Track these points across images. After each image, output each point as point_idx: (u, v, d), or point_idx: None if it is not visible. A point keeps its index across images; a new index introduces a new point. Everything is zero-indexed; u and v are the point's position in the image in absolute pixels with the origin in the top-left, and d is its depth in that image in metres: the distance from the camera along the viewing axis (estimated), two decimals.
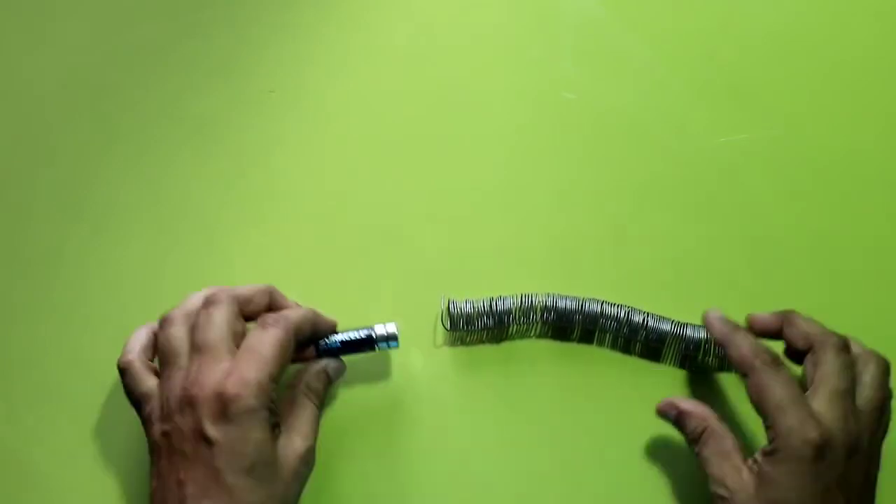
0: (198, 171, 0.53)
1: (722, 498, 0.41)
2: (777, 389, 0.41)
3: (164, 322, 0.43)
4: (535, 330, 0.48)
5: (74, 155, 0.54)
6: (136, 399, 0.43)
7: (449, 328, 0.47)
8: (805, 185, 0.52)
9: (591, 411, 0.47)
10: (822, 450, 0.39)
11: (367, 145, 0.54)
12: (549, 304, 0.47)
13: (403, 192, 0.53)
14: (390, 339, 0.45)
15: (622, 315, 0.47)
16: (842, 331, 0.48)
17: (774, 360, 0.42)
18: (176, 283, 0.50)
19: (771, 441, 0.40)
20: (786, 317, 0.45)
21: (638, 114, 0.54)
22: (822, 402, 0.41)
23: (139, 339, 0.45)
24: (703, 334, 0.47)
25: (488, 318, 0.47)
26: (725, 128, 0.54)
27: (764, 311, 0.47)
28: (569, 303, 0.47)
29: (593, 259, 0.51)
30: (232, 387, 0.39)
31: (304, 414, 0.43)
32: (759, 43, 0.56)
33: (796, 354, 0.44)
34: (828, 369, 0.42)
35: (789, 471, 0.39)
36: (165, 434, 0.40)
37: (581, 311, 0.47)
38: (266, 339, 0.41)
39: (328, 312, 0.48)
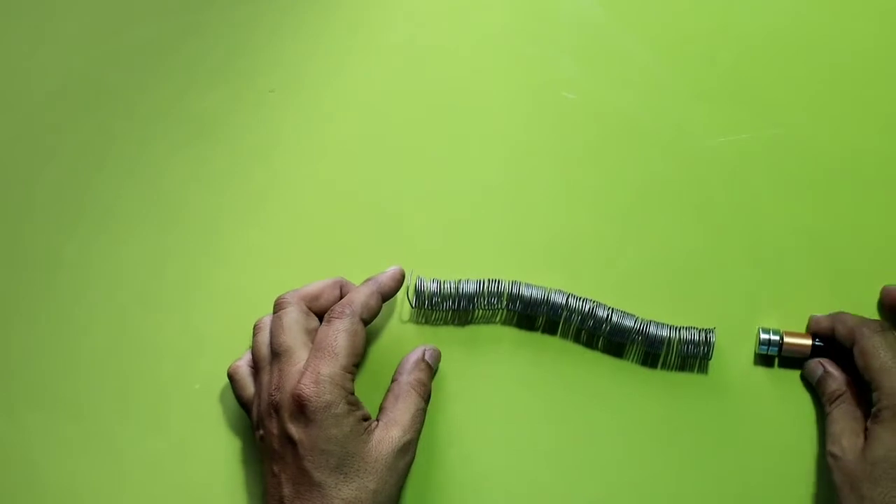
0: (198, 171, 0.53)
1: (834, 456, 0.42)
2: (881, 352, 0.42)
3: (254, 329, 0.46)
4: (500, 316, 0.49)
5: (74, 155, 0.54)
6: (242, 405, 0.45)
7: (414, 305, 0.48)
8: (805, 185, 0.52)
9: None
10: None
11: (367, 145, 0.54)
12: (514, 291, 0.47)
13: (404, 192, 0.53)
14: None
15: (587, 308, 0.47)
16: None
17: (881, 325, 0.44)
18: (176, 283, 0.51)
19: (875, 403, 0.41)
20: (836, 318, 0.46)
21: (638, 114, 0.54)
22: None
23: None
24: (666, 333, 0.47)
25: (454, 299, 0.48)
26: (725, 128, 0.54)
27: (762, 310, 0.48)
28: (534, 292, 0.47)
29: (593, 259, 0.51)
30: (306, 386, 0.40)
31: (405, 406, 0.43)
32: (759, 43, 0.56)
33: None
34: None
35: (893, 429, 0.40)
36: (261, 438, 0.42)
37: (546, 302, 0.47)
38: (332, 332, 0.42)
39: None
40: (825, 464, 0.43)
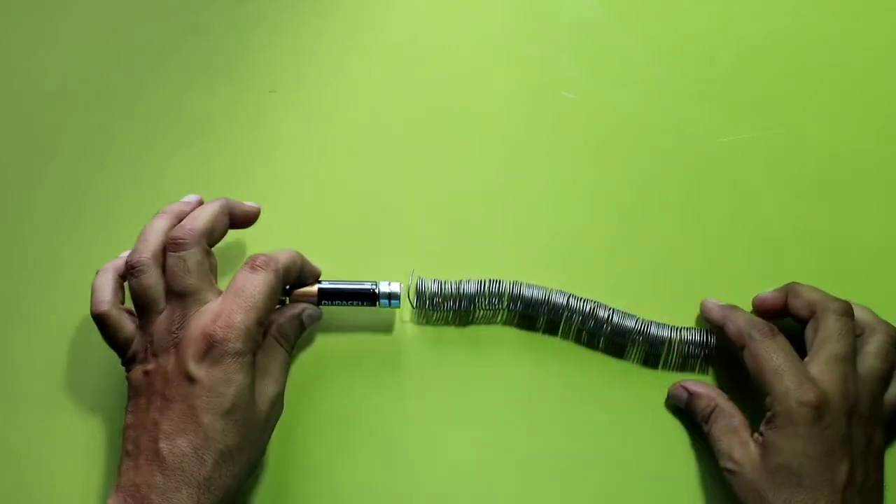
0: (198, 171, 0.53)
1: (730, 471, 0.41)
2: (773, 356, 0.42)
3: (133, 269, 0.43)
4: (502, 317, 0.49)
5: (74, 155, 0.54)
6: (118, 345, 0.43)
7: (415, 305, 0.48)
8: (806, 185, 0.52)
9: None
10: (819, 410, 0.39)
11: (367, 145, 0.54)
12: (515, 292, 0.47)
13: (404, 192, 0.53)
14: (392, 297, 0.46)
15: (587, 308, 0.47)
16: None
17: (771, 329, 0.43)
18: None
19: (770, 408, 0.41)
20: (789, 288, 0.46)
21: (638, 114, 0.54)
22: (820, 365, 0.41)
23: (106, 284, 0.45)
24: (667, 333, 0.47)
25: (455, 299, 0.47)
26: (725, 128, 0.54)
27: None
28: (535, 292, 0.47)
29: (593, 259, 0.51)
30: (220, 330, 0.40)
31: (275, 358, 0.43)
32: (759, 43, 0.56)
33: (804, 325, 0.44)
34: (826, 334, 0.42)
35: (790, 434, 0.40)
36: (147, 373, 0.41)
37: (547, 302, 0.47)
38: (255, 283, 0.41)
39: (329, 312, 0.48)
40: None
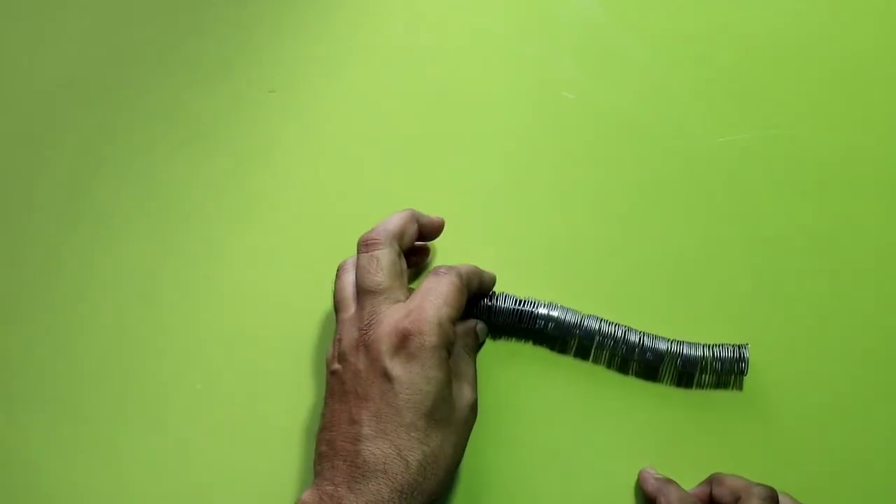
0: (197, 172, 0.53)
1: None
2: None
3: (338, 270, 0.44)
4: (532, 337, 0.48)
5: (74, 155, 0.54)
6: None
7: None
8: (806, 185, 0.52)
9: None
10: None
11: (367, 145, 0.54)
12: (547, 313, 0.46)
13: (404, 192, 0.53)
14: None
15: (619, 334, 0.46)
16: (842, 333, 0.49)
17: (772, 497, 0.41)
18: (176, 283, 0.51)
19: None
20: (713, 478, 0.43)
21: (638, 114, 0.54)
22: None
23: None
24: (699, 352, 0.46)
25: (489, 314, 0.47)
26: (725, 128, 0.54)
27: (761, 309, 0.48)
28: (569, 316, 0.46)
29: (592, 259, 0.51)
30: (412, 324, 0.39)
31: (468, 365, 0.43)
32: (759, 43, 0.56)
33: None
34: None
35: None
36: (335, 373, 0.40)
37: (580, 326, 0.46)
38: (443, 282, 0.41)
39: (328, 311, 0.48)
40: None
